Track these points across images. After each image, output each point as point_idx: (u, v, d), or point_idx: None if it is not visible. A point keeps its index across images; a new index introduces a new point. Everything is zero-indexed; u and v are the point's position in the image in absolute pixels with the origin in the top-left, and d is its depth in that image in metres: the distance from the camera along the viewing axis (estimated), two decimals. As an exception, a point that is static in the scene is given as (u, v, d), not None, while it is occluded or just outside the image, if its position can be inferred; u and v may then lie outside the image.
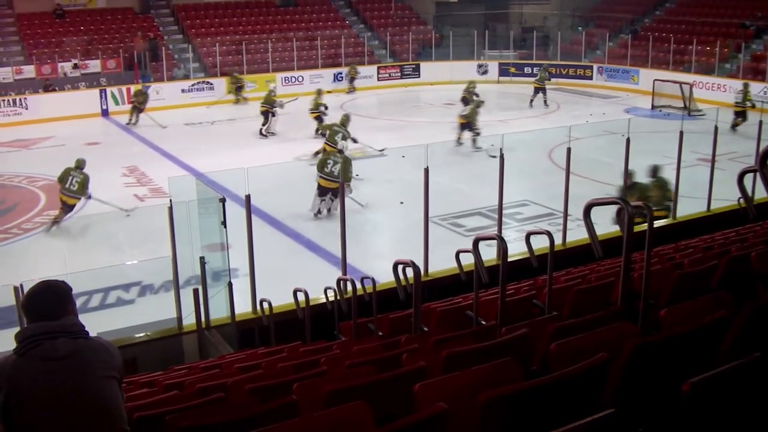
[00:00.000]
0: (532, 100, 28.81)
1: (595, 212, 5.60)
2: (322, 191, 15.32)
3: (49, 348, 3.41)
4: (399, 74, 35.37)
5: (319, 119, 23.65)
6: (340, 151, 16.39)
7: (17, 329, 8.66)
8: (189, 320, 9.79)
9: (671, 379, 2.72)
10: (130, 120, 26.88)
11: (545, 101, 28.95)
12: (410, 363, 4.15)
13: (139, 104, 27.32)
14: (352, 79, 33.46)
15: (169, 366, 8.14)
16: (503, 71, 35.68)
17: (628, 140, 12.24)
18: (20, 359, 3.44)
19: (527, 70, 34.22)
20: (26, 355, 3.42)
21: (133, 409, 4.33)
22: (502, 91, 32.41)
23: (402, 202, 15.50)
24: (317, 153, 18.70)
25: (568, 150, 11.89)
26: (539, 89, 29.01)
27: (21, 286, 8.39)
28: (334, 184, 14.97)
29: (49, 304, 3.54)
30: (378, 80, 34.61)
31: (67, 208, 15.53)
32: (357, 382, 3.88)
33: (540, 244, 7.84)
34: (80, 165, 15.86)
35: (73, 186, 15.46)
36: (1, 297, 9.05)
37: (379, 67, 35.15)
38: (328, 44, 34.97)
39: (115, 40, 32.41)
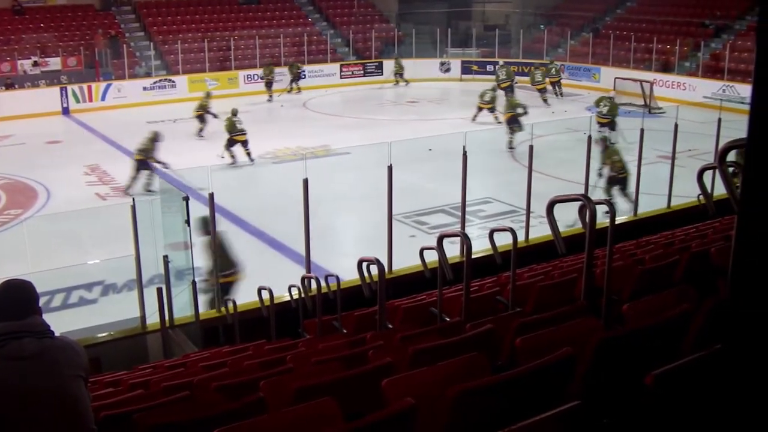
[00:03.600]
0: (546, 99, 29.19)
1: (558, 209, 5.67)
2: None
3: (15, 348, 3.38)
4: (362, 72, 35.35)
5: (201, 119, 23.76)
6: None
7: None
8: (153, 319, 9.73)
9: (635, 371, 2.77)
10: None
11: (558, 93, 30.37)
12: (377, 359, 4.17)
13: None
14: (296, 79, 32.55)
15: (134, 365, 8.09)
16: (465, 69, 35.83)
17: (589, 137, 12.40)
18: (-14, 359, 3.41)
19: (489, 68, 34.38)
20: (-9, 355, 3.40)
21: (99, 408, 4.30)
22: (465, 89, 32.48)
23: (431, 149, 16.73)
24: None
25: (531, 147, 12.00)
26: (552, 84, 30.33)
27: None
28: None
29: (14, 304, 3.51)
30: (341, 78, 34.55)
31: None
32: (324, 379, 3.89)
33: (503, 240, 7.92)
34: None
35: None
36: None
37: (341, 65, 35.09)
38: (290, 42, 34.85)
39: (75, 37, 32.04)
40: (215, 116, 23.27)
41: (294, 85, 32.34)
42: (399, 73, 34.17)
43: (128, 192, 16.83)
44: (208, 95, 24.87)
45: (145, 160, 17.61)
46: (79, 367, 3.54)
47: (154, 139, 18.25)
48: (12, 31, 31.47)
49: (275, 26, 36.00)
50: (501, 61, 33.90)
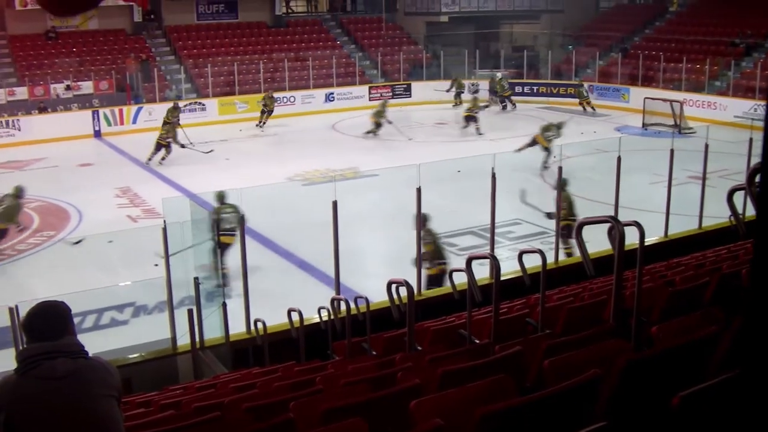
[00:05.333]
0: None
1: (588, 231, 5.66)
2: None
3: (48, 368, 3.44)
4: (390, 94, 35.49)
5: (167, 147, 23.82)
6: None
7: (12, 350, 8.70)
8: (183, 340, 9.81)
9: (662, 392, 2.77)
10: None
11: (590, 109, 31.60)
12: (405, 381, 4.18)
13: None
14: (266, 112, 29.98)
15: (164, 386, 8.15)
16: (493, 91, 35.86)
17: (619, 159, 12.34)
18: (20, 379, 3.47)
19: (518, 89, 34.40)
20: (26, 375, 3.45)
21: (131, 429, 4.35)
22: (493, 110, 32.51)
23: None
24: None
25: (560, 169, 11.98)
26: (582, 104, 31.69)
27: (16, 307, 8.42)
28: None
29: (48, 325, 3.57)
30: (369, 100, 34.69)
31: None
32: (353, 400, 3.91)
33: (533, 262, 7.91)
34: (18, 193, 15.08)
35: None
36: (-5, 318, 9.06)
37: (370, 87, 35.27)
38: (319, 65, 35.10)
39: (107, 61, 32.49)
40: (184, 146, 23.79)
41: (263, 117, 30.15)
42: (459, 92, 34.10)
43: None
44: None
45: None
46: (112, 387, 3.59)
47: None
48: (45, 56, 32.00)
49: (304, 49, 36.27)
50: (499, 74, 34.45)
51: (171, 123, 24.25)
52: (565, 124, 21.88)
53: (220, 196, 13.18)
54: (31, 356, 3.48)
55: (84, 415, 3.43)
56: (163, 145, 23.52)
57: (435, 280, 11.27)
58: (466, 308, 6.82)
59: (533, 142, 21.35)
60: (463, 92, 34.05)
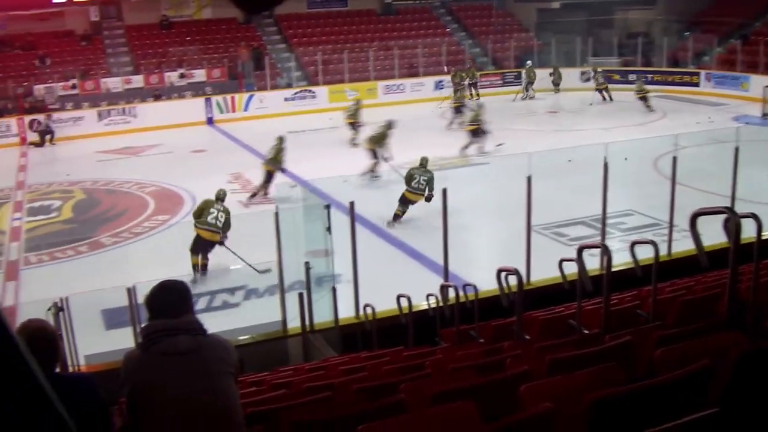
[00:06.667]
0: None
1: (703, 222, 5.54)
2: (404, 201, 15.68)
3: (171, 344, 3.59)
4: (500, 82, 35.23)
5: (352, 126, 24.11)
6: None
7: (129, 329, 9.08)
8: (293, 324, 10.04)
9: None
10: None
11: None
12: (514, 367, 4.21)
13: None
14: (463, 87, 30.73)
15: (274, 368, 8.36)
16: (606, 78, 35.11)
17: (737, 149, 11.98)
18: (143, 354, 3.64)
19: (631, 77, 33.61)
20: (149, 350, 3.61)
21: (244, 405, 4.48)
22: (579, 101, 31.89)
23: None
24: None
25: (674, 159, 11.72)
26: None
27: (134, 287, 8.78)
28: (418, 196, 15.51)
29: (170, 303, 3.73)
30: (480, 87, 34.48)
31: (209, 245, 13.26)
32: (463, 383, 3.96)
33: (644, 254, 7.79)
34: (221, 197, 13.70)
35: (219, 221, 13.15)
36: (115, 298, 9.46)
37: (480, 75, 35.06)
38: (428, 52, 35.09)
39: (219, 49, 33.35)
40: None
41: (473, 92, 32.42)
42: (557, 82, 33.93)
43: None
44: (358, 103, 25.37)
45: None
46: (230, 364, 3.73)
47: (388, 127, 19.59)
48: (160, 45, 33.11)
49: (413, 37, 36.34)
50: (529, 62, 34.27)
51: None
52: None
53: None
54: (154, 332, 3.65)
55: (203, 391, 3.56)
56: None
57: None
58: (573, 299, 6.78)
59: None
60: (560, 83, 33.85)
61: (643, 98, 28.77)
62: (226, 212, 13.31)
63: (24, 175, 22.93)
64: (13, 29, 31.42)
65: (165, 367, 3.56)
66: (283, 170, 18.20)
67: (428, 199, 15.26)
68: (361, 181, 18.46)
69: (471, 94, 31.59)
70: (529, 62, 34.27)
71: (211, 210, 13.19)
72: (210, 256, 13.23)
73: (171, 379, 3.54)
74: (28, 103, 28.70)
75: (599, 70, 32.60)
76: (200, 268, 13.16)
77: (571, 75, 34.82)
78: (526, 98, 33.04)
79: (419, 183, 15.51)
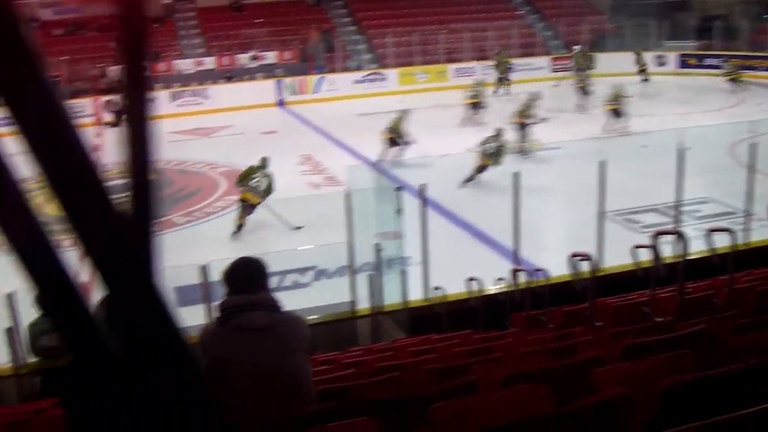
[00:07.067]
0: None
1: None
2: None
3: (248, 319, 3.67)
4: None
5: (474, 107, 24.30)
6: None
7: (202, 306, 9.23)
8: (362, 305, 10.11)
9: None
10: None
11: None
12: (586, 352, 4.19)
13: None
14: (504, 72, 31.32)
15: (343, 348, 8.44)
16: (683, 63, 34.36)
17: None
18: (221, 328, 3.72)
19: (709, 61, 32.80)
20: (226, 325, 3.70)
21: (316, 382, 4.57)
22: (681, 83, 31.25)
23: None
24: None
25: (751, 146, 11.45)
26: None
27: (207, 265, 8.93)
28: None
29: (249, 279, 3.81)
30: (552, 71, 34.05)
31: (250, 208, 14.63)
32: (534, 367, 3.96)
33: (720, 243, 7.65)
34: (264, 164, 15.07)
35: (260, 185, 14.59)
36: (188, 275, 9.63)
37: (553, 58, 34.61)
38: (499, 35, 34.72)
39: (290, 32, 33.54)
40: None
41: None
42: (643, 69, 32.14)
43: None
44: (481, 83, 25.63)
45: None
46: (304, 341, 3.81)
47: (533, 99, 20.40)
48: (231, 27, 33.38)
49: (484, 19, 35.99)
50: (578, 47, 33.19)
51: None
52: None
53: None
54: (233, 306, 3.73)
55: (278, 366, 3.64)
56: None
57: None
58: (645, 286, 6.71)
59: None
60: (646, 69, 32.46)
61: (734, 80, 28.32)
62: (269, 178, 14.71)
63: (99, 155, 23.38)
64: (89, 12, 32.08)
65: (241, 342, 3.64)
66: (405, 141, 19.23)
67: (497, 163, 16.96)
68: (517, 157, 18.81)
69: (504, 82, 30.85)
70: (577, 47, 33.26)
71: (254, 176, 14.70)
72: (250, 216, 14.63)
73: (246, 354, 3.62)
74: (103, 84, 29.31)
75: (641, 53, 32.03)
76: (237, 228, 14.51)
77: (645, 58, 33.95)
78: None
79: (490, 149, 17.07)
